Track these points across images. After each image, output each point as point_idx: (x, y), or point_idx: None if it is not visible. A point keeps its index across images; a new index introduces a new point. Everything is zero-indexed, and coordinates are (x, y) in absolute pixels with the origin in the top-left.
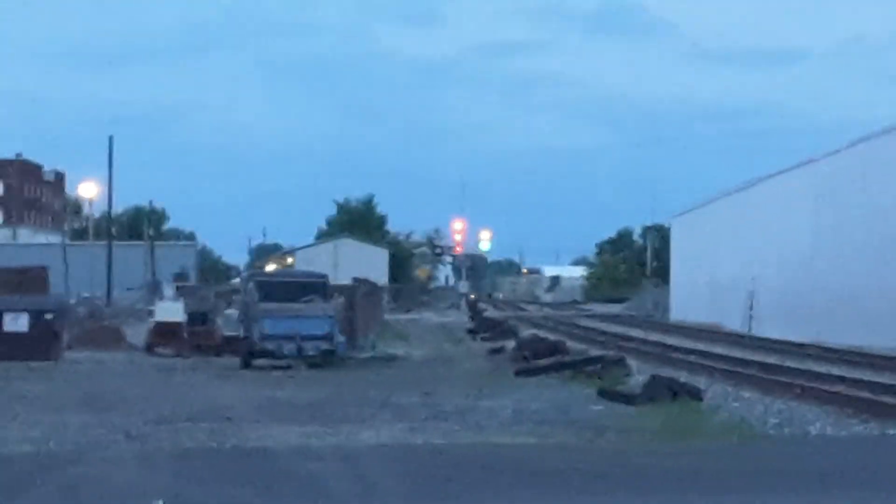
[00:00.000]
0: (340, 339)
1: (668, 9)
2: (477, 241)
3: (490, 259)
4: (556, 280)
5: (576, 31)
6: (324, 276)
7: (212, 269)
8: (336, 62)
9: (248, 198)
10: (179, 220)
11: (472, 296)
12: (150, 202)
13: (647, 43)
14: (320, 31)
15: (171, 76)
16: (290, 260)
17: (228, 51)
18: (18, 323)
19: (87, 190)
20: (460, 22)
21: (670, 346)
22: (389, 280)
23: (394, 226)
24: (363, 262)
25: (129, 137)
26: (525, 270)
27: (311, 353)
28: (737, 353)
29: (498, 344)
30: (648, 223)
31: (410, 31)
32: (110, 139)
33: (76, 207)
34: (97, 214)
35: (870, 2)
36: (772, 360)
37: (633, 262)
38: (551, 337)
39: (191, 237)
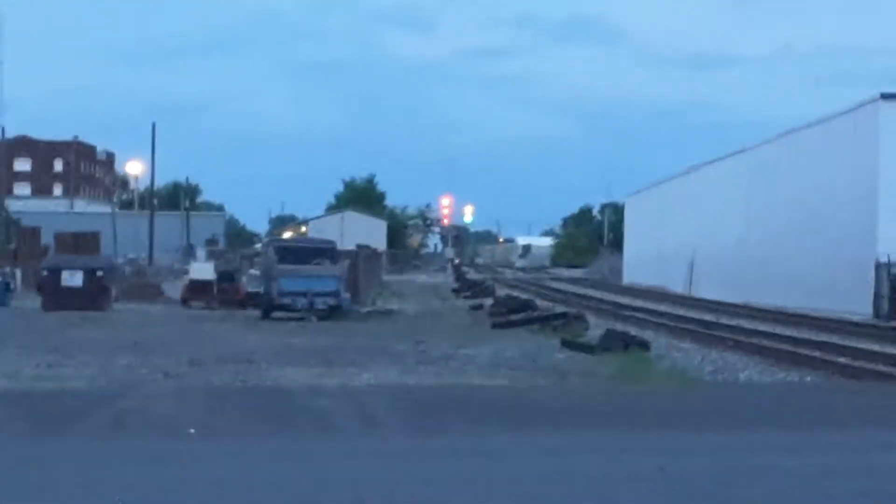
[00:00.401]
0: (346, 295)
1: (625, 19)
2: (462, 215)
3: (472, 230)
4: (527, 248)
5: (547, 38)
6: (332, 243)
7: (238, 236)
8: (345, 62)
9: (269, 176)
10: (211, 193)
11: (457, 261)
12: (187, 178)
13: (607, 49)
14: (332, 36)
15: (206, 72)
16: (304, 229)
17: (254, 51)
18: (74, 279)
19: (134, 168)
20: (451, 29)
21: (623, 305)
22: (387, 247)
23: (391, 201)
24: (365, 232)
25: (170, 123)
26: (502, 240)
27: (320, 307)
28: (679, 311)
29: (478, 301)
30: (606, 201)
31: (408, 36)
32: (153, 125)
33: (124, 182)
34: (141, 188)
35: (798, 14)
36: (708, 317)
37: (593, 234)
38: (523, 296)
39: (220, 208)
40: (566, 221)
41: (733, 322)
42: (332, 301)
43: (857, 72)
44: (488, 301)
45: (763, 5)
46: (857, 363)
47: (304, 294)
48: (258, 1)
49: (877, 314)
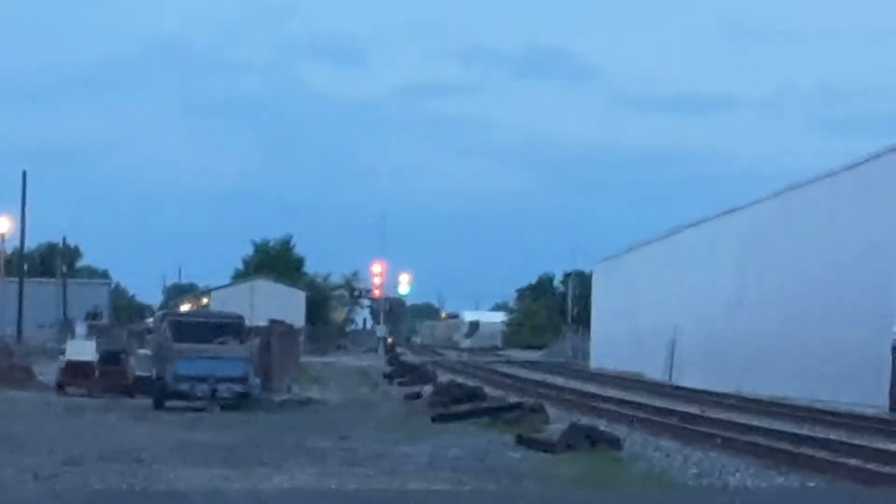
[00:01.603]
0: (255, 381)
1: (594, 54)
2: (396, 284)
3: (409, 303)
4: (475, 325)
5: (502, 74)
6: (239, 317)
7: (125, 309)
8: (258, 101)
9: (163, 236)
10: (94, 257)
11: (390, 340)
12: (64, 238)
13: (573, 88)
14: (243, 70)
15: (89, 111)
16: (205, 300)
17: (147, 88)
18: None
19: None
20: (386, 63)
21: (590, 394)
22: (306, 322)
23: (312, 267)
24: (280, 304)
25: (45, 172)
26: (444, 315)
27: (225, 394)
28: (657, 401)
29: (415, 389)
30: (570, 270)
31: (335, 72)
32: (24, 174)
33: None
34: (9, 250)
35: (799, 52)
36: (692, 409)
37: (554, 309)
38: (469, 383)
39: (104, 275)
40: (522, 293)
41: (722, 415)
42: (238, 388)
43: (870, 116)
44: (428, 389)
45: (759, 40)
46: (870, 465)
47: (206, 379)
48: (154, 28)
49: (893, 406)
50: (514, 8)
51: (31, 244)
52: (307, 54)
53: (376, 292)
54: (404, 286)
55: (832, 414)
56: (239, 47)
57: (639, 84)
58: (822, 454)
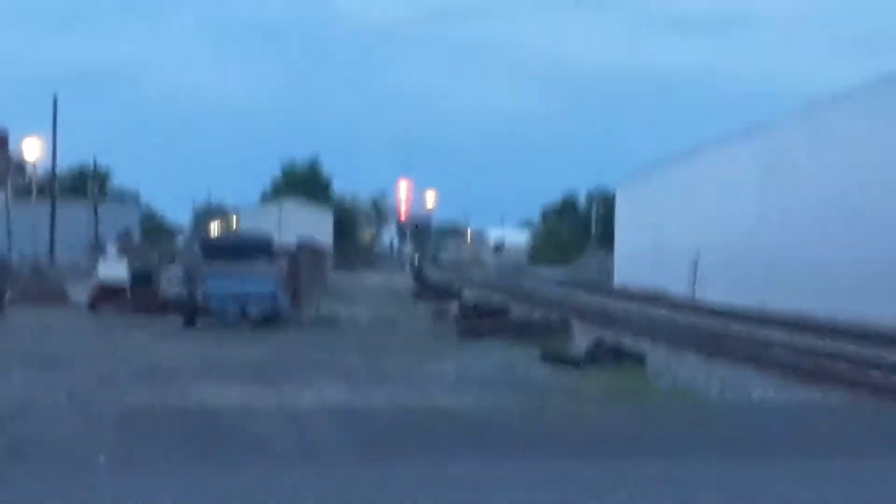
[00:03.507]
0: (284, 300)
1: None
2: (422, 204)
3: (435, 222)
4: (500, 243)
5: None
6: (268, 238)
7: (156, 230)
8: (286, 24)
9: (193, 158)
10: (124, 179)
11: (417, 258)
12: (94, 161)
13: (595, 8)
14: None
15: (117, 36)
16: (234, 221)
17: (176, 11)
18: None
19: (31, 149)
20: None
21: (614, 311)
22: (334, 242)
23: (339, 188)
24: (308, 224)
25: (75, 96)
26: (470, 233)
27: (254, 313)
28: (681, 317)
29: (442, 307)
30: (593, 189)
31: None
32: (54, 97)
33: (19, 166)
34: (40, 173)
35: None
36: (715, 324)
37: (578, 228)
38: (496, 300)
39: (135, 197)
40: (546, 212)
41: (745, 330)
42: (268, 306)
43: (891, 35)
44: (454, 306)
45: None
46: (892, 380)
47: (236, 298)
48: None
49: None
50: None
51: (62, 167)
52: None
53: (402, 211)
54: (430, 204)
55: (854, 328)
56: None
57: (659, 3)
58: (843, 368)
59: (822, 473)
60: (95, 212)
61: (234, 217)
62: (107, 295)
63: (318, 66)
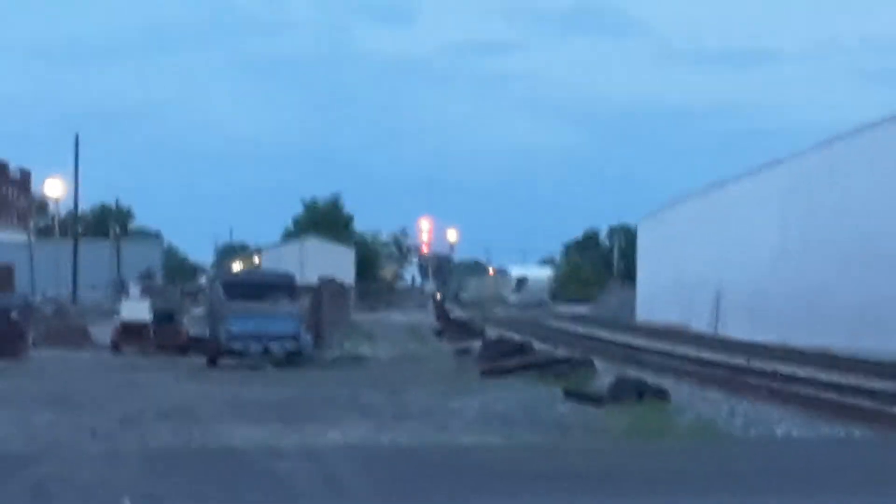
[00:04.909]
0: (307, 338)
1: (641, 9)
2: (444, 241)
3: (456, 259)
4: (523, 280)
5: (549, 30)
6: (290, 276)
7: (178, 269)
8: (309, 61)
9: (215, 197)
10: (146, 218)
11: (439, 296)
12: (117, 201)
13: (619, 43)
14: (293, 30)
15: (140, 74)
16: (256, 259)
17: (198, 49)
18: None
19: (53, 188)
20: (435, 21)
21: (636, 347)
22: (356, 280)
23: (361, 225)
24: (329, 262)
25: (97, 135)
26: (492, 270)
27: (277, 352)
28: (703, 353)
29: (464, 344)
30: (615, 224)
31: (384, 30)
32: (76, 137)
33: (41, 205)
34: (63, 212)
35: (845, 3)
36: (738, 360)
37: (600, 263)
38: (518, 337)
39: (157, 236)
40: (568, 248)
41: (767, 366)
42: (290, 345)
43: None
44: (477, 344)
45: None
46: None
47: (258, 337)
48: None
49: None
50: None
51: (84, 206)
52: (356, 13)
53: (424, 249)
54: (452, 239)
55: (877, 364)
56: (291, 7)
57: (684, 39)
58: (867, 403)
59: None
60: (118, 251)
61: (257, 255)
62: (129, 335)
63: (339, 103)
